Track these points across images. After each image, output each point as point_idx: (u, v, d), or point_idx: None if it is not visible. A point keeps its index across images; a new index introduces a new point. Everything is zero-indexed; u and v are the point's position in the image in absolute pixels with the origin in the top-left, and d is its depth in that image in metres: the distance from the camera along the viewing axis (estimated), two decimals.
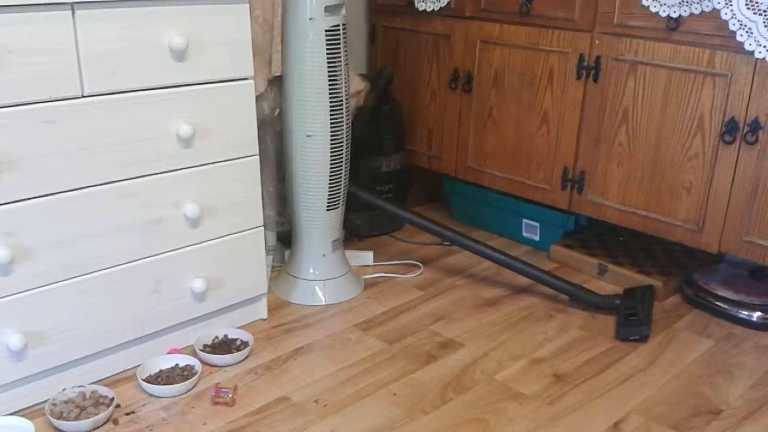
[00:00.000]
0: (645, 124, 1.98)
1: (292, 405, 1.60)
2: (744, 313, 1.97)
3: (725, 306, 2.00)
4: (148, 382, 1.62)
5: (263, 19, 2.07)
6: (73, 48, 1.42)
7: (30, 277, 1.47)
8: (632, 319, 1.91)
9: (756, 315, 1.96)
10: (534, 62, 2.18)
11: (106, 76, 1.48)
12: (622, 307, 1.97)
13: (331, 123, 1.93)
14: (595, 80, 2.05)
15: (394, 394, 1.65)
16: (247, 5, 1.66)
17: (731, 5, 1.70)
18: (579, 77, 2.08)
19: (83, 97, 1.46)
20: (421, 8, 2.38)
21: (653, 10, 1.86)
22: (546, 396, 1.65)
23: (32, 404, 1.57)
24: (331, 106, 1.92)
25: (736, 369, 1.77)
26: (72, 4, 1.40)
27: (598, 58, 2.03)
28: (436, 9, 2.35)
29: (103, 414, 1.50)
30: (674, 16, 1.83)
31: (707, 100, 1.84)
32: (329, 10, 1.85)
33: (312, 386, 1.67)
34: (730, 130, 1.81)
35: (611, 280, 2.20)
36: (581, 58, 2.06)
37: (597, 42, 2.02)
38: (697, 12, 1.79)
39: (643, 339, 1.88)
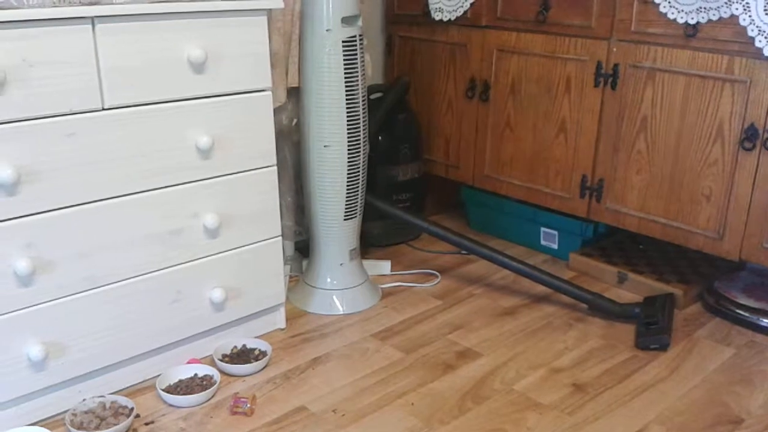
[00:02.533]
0: (664, 131, 1.97)
1: (311, 415, 1.60)
2: (765, 321, 1.95)
3: (746, 314, 1.98)
4: (168, 392, 1.63)
5: (284, 30, 2.09)
6: (93, 61, 1.43)
7: (50, 289, 1.48)
8: (652, 328, 1.90)
9: None
10: (551, 70, 2.18)
11: (126, 89, 1.49)
12: (642, 316, 1.96)
13: (348, 133, 1.94)
14: (613, 87, 2.04)
15: (412, 404, 1.65)
16: (266, 17, 1.67)
17: (750, 11, 1.69)
18: (597, 85, 2.08)
19: (103, 109, 1.48)
20: (437, 18, 2.39)
21: (671, 16, 1.85)
22: (565, 406, 1.64)
23: (53, 414, 1.58)
24: (348, 116, 1.92)
25: (757, 377, 1.75)
26: (92, 18, 1.41)
27: (615, 65, 2.02)
28: (453, 18, 2.35)
29: (123, 424, 1.51)
30: (692, 22, 1.82)
31: (726, 107, 1.83)
32: (346, 21, 1.86)
33: (330, 396, 1.67)
34: (749, 136, 1.80)
35: (631, 289, 2.19)
36: (599, 66, 2.06)
37: (615, 49, 2.01)
38: (715, 18, 1.78)
39: (664, 348, 1.87)
